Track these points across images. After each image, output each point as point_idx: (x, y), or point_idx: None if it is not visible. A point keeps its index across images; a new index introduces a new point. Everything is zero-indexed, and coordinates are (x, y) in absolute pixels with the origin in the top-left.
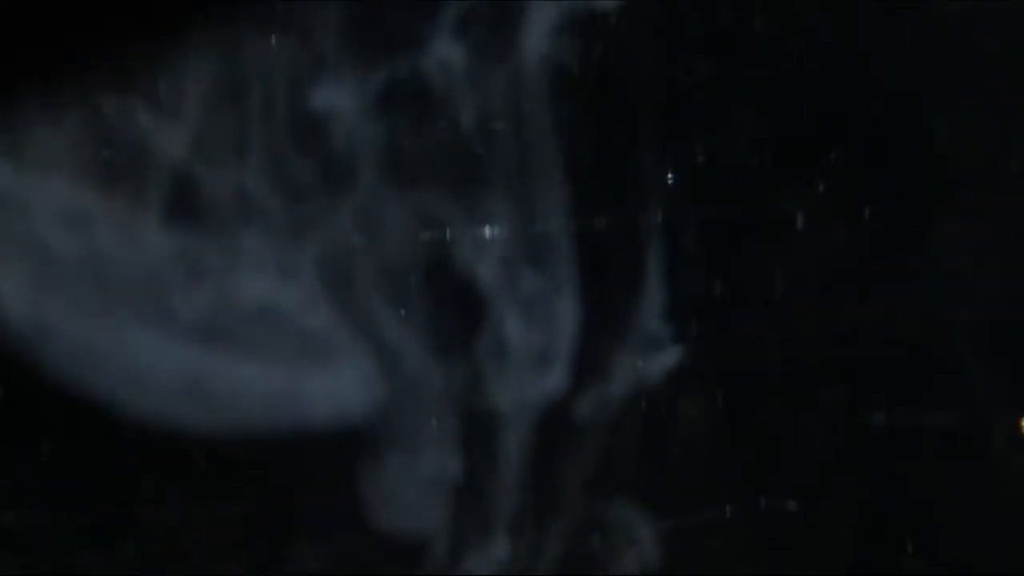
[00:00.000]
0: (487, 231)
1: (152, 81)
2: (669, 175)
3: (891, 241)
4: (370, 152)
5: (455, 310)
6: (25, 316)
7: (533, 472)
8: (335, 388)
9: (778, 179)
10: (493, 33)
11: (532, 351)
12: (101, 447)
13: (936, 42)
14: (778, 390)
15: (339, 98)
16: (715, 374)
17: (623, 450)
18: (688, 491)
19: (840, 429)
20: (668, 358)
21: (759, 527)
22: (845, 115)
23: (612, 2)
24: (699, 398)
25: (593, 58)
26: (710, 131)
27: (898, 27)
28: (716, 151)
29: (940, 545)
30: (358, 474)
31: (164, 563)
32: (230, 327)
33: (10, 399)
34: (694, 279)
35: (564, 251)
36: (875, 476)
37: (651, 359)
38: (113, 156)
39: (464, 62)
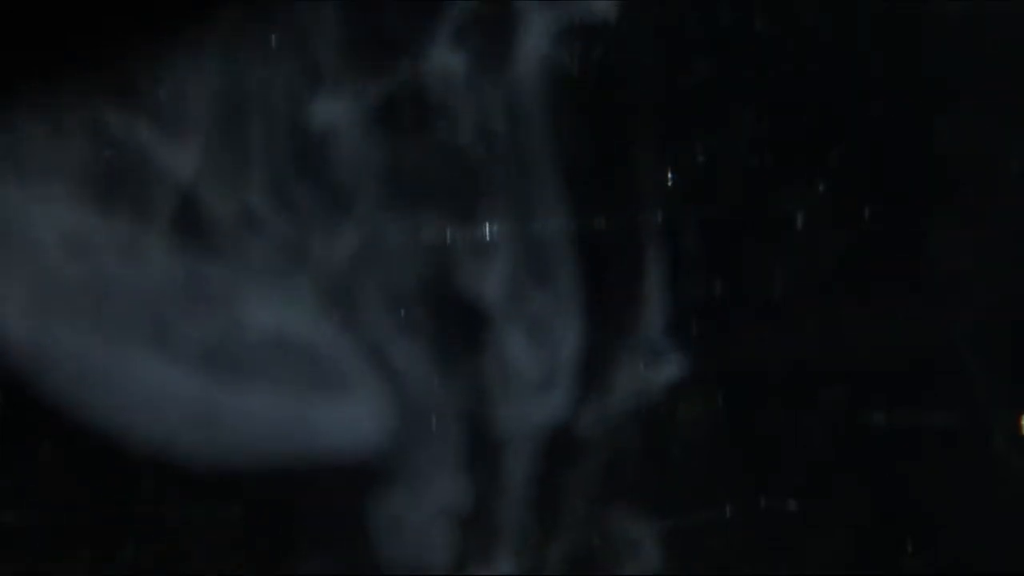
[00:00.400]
0: (487, 233)
1: (154, 93)
2: (669, 175)
3: (891, 241)
4: (372, 168)
5: (459, 329)
6: (27, 339)
7: (537, 484)
8: (344, 414)
9: (778, 179)
10: (492, 36)
11: (536, 371)
12: (102, 450)
13: (936, 42)
14: (778, 390)
15: (339, 111)
16: (715, 374)
17: (625, 454)
18: (688, 491)
19: (840, 429)
20: (670, 363)
21: (759, 527)
22: (845, 115)
23: (609, 3)
24: (699, 398)
25: (593, 59)
26: (710, 131)
27: (898, 27)
28: (716, 151)
29: (940, 545)
30: (364, 499)
31: (164, 563)
32: (236, 353)
33: (10, 401)
34: (694, 279)
35: (565, 260)
36: (875, 476)
37: (653, 363)
38: (117, 177)
39: (464, 67)
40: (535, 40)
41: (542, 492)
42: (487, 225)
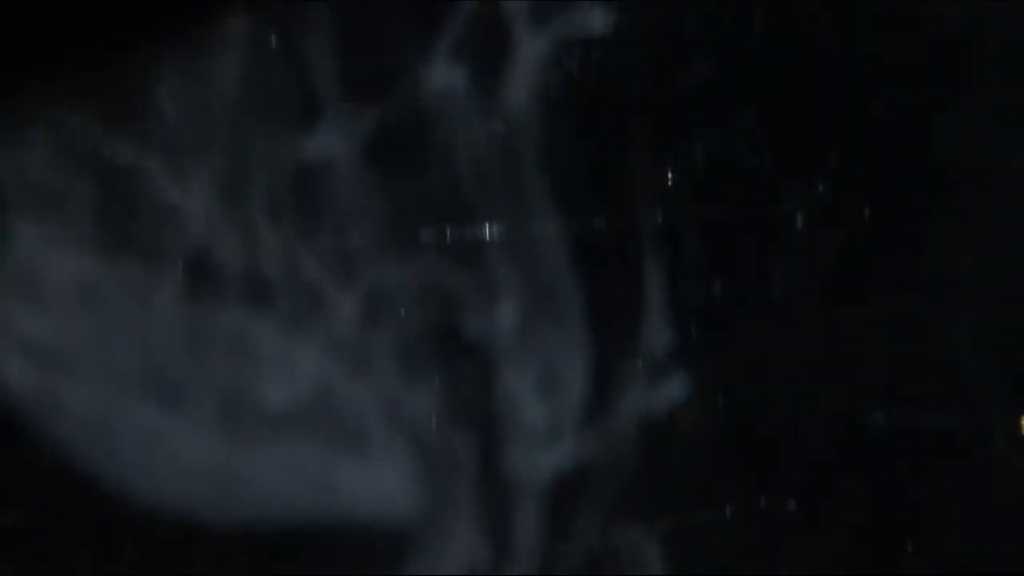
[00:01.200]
0: (487, 234)
1: (156, 119)
2: (669, 175)
3: (891, 241)
4: (374, 200)
5: (467, 376)
6: (35, 393)
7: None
8: (363, 470)
9: (778, 179)
10: (490, 40)
11: (545, 410)
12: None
13: (936, 42)
14: (778, 390)
15: (338, 140)
16: (715, 374)
17: (626, 457)
18: (688, 491)
19: (840, 429)
20: (671, 364)
21: (759, 527)
22: (845, 115)
23: (607, 5)
24: (699, 399)
25: (592, 59)
26: (710, 131)
27: (898, 27)
28: (716, 151)
29: (940, 545)
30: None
31: (164, 564)
32: (251, 409)
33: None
34: (694, 280)
35: (565, 263)
36: (875, 476)
37: (654, 365)
38: (125, 221)
39: (463, 73)
40: (534, 42)
41: (549, 511)
42: (487, 227)
